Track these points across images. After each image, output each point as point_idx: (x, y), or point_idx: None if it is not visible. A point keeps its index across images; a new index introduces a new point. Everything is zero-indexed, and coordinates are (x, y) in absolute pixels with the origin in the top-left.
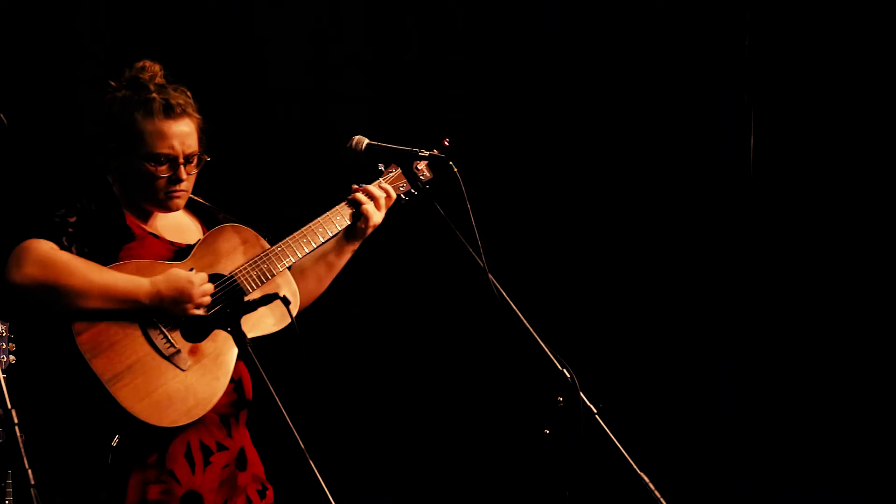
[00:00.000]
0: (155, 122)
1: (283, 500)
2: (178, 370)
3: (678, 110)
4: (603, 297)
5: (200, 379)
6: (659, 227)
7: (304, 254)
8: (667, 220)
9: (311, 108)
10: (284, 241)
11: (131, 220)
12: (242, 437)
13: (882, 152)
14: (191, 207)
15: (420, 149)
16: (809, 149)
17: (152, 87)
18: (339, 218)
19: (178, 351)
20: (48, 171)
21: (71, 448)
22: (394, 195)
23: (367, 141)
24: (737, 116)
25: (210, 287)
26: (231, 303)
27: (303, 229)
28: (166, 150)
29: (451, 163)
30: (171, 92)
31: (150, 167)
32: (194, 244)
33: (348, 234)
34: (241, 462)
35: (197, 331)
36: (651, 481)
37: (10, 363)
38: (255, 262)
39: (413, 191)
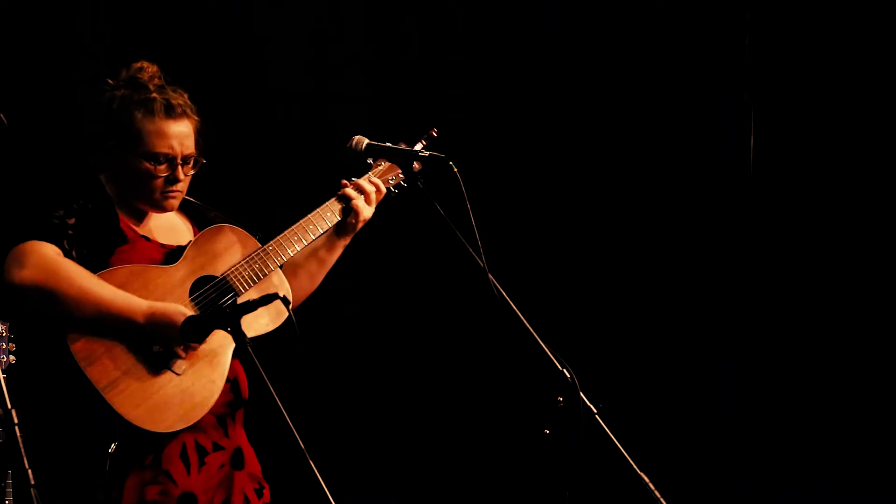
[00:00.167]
0: (156, 122)
1: (281, 500)
2: (174, 374)
3: (678, 110)
4: (603, 297)
5: (196, 382)
6: (659, 227)
7: (295, 251)
8: (667, 220)
9: (311, 108)
10: (275, 239)
11: (124, 221)
12: (239, 437)
13: (882, 152)
14: (182, 207)
15: (415, 146)
16: (809, 149)
17: (152, 87)
18: (329, 214)
19: (173, 355)
20: (46, 171)
21: (69, 451)
22: (384, 189)
23: (367, 141)
24: (737, 116)
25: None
26: (231, 303)
27: (293, 227)
28: (166, 150)
29: (451, 163)
30: (171, 93)
31: (148, 166)
32: (186, 245)
33: (339, 229)
34: (237, 461)
35: (196, 331)
36: (651, 481)
37: (10, 363)
38: (247, 262)
39: (403, 183)
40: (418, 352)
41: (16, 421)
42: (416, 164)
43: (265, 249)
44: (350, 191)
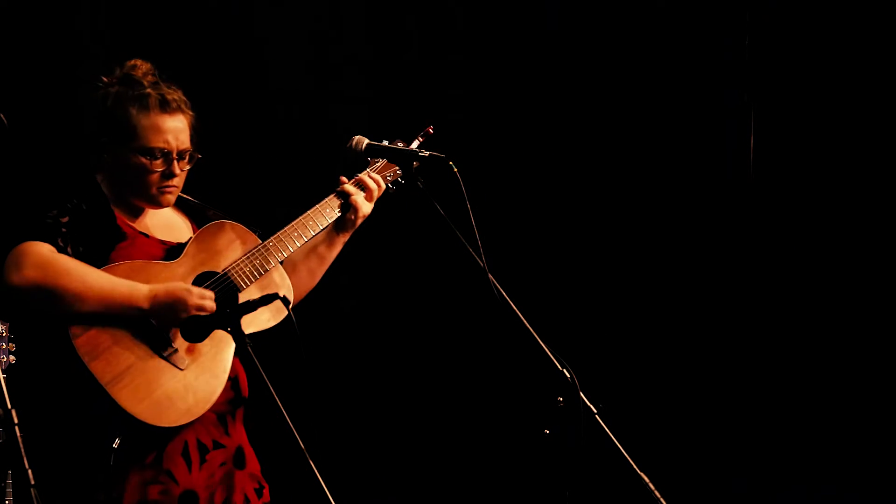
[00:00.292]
0: (150, 116)
1: (280, 499)
2: (177, 369)
3: (678, 110)
4: (603, 297)
5: (199, 377)
6: (659, 227)
7: (295, 247)
8: (667, 220)
9: (311, 108)
10: (275, 235)
11: (121, 219)
12: (239, 435)
13: (882, 152)
14: (180, 205)
15: (412, 143)
16: (809, 149)
17: (146, 83)
18: (328, 210)
19: (176, 350)
20: (41, 172)
21: (71, 449)
22: (382, 185)
23: (367, 141)
24: (737, 116)
25: (211, 304)
26: (230, 302)
27: (293, 223)
28: (161, 145)
29: (451, 162)
30: (166, 88)
31: (144, 161)
32: (186, 242)
33: (338, 225)
34: (239, 460)
35: (197, 331)
36: (651, 481)
37: (10, 363)
38: (248, 257)
39: (401, 180)
40: (418, 351)
41: (16, 421)
42: (415, 163)
43: (265, 245)
44: (349, 187)
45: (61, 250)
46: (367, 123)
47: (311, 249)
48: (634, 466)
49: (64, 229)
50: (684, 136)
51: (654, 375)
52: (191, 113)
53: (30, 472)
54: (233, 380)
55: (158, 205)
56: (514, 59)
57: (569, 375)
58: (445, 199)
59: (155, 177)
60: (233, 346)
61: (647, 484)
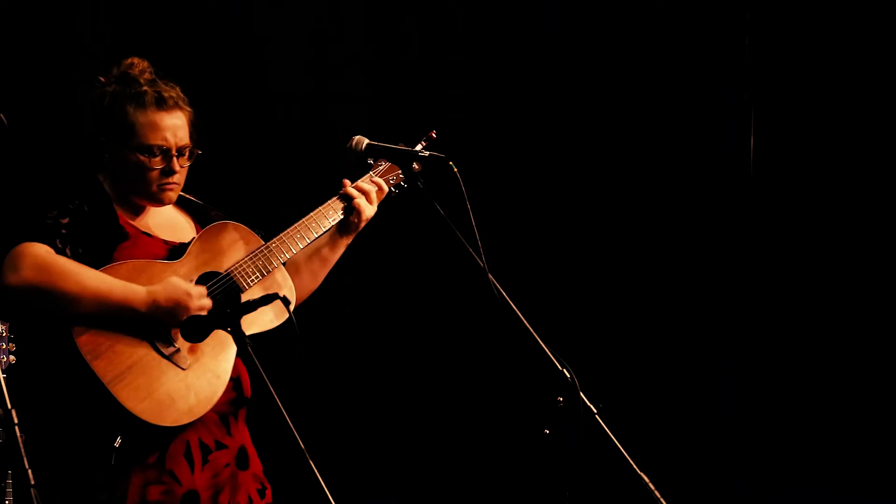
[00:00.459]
0: (147, 114)
1: (280, 499)
2: (179, 369)
3: (678, 110)
4: (603, 297)
5: (201, 377)
6: (659, 227)
7: (298, 249)
8: (667, 220)
9: (311, 108)
10: (278, 236)
11: (124, 219)
12: (242, 436)
13: (882, 152)
14: (183, 205)
15: (414, 146)
16: (809, 149)
17: (143, 81)
18: (331, 212)
19: (178, 350)
20: (42, 172)
21: (72, 449)
22: (385, 188)
23: (367, 141)
24: (737, 116)
25: (207, 302)
26: (231, 302)
27: (296, 225)
28: (159, 142)
29: (451, 163)
30: (163, 85)
31: (142, 158)
32: (189, 242)
33: (341, 228)
34: (242, 461)
35: (197, 331)
36: (651, 481)
37: (10, 363)
38: (251, 258)
39: (404, 183)
40: (418, 351)
41: (16, 421)
42: (416, 165)
43: (268, 246)
44: (352, 189)
45: (59, 251)
46: (367, 123)
47: (314, 251)
48: (634, 466)
49: (63, 230)
50: (684, 136)
51: (655, 375)
52: (189, 109)
53: (30, 472)
54: (235, 380)
55: (160, 202)
56: (514, 59)
57: (569, 375)
58: (446, 200)
59: (154, 174)
60: (234, 347)
61: (647, 484)
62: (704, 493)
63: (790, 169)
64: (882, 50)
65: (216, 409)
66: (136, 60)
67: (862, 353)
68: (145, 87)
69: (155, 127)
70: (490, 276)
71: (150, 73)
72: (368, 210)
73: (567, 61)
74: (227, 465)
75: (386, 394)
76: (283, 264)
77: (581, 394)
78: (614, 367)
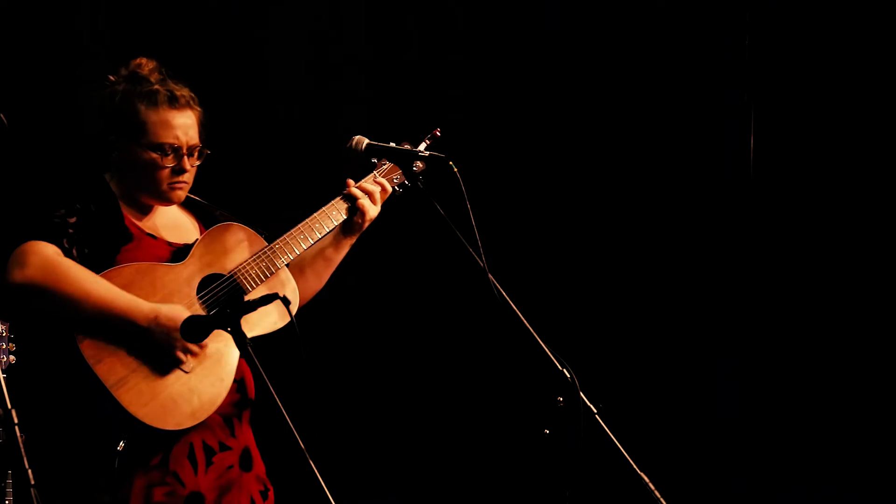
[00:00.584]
0: (160, 112)
1: (281, 500)
2: (182, 372)
3: (678, 110)
4: (603, 297)
5: (204, 380)
6: (659, 227)
7: (302, 249)
8: (667, 220)
9: (311, 108)
10: (282, 237)
11: (129, 219)
12: (246, 437)
13: (882, 152)
14: (188, 206)
15: (417, 146)
16: (809, 149)
17: (153, 80)
18: (335, 213)
19: (181, 360)
20: (47, 172)
21: (74, 450)
22: (389, 188)
23: (367, 141)
24: (737, 116)
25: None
26: (231, 302)
27: (300, 225)
28: (171, 140)
29: (451, 162)
30: (173, 84)
31: (154, 156)
32: (192, 243)
33: (345, 228)
34: (246, 463)
35: (197, 331)
36: (651, 481)
37: (10, 363)
38: (255, 259)
39: (407, 182)
40: (418, 351)
41: (16, 421)
42: (417, 165)
43: (272, 248)
44: (355, 190)
45: (66, 252)
46: (367, 123)
47: (317, 252)
48: (634, 466)
49: (70, 230)
50: (684, 136)
51: (655, 375)
52: (199, 109)
53: (30, 472)
54: (238, 382)
55: (168, 201)
56: (514, 59)
57: (569, 375)
58: (446, 200)
59: (165, 172)
60: (237, 349)
61: (647, 484)
62: (704, 493)
63: (790, 169)
64: (882, 50)
65: (220, 411)
66: (143, 60)
67: (862, 353)
68: (157, 86)
69: (167, 125)
70: (490, 276)
71: (160, 72)
72: (372, 210)
73: (567, 61)
74: (231, 466)
75: (386, 394)
76: (287, 265)
77: (581, 394)
78: (614, 367)
